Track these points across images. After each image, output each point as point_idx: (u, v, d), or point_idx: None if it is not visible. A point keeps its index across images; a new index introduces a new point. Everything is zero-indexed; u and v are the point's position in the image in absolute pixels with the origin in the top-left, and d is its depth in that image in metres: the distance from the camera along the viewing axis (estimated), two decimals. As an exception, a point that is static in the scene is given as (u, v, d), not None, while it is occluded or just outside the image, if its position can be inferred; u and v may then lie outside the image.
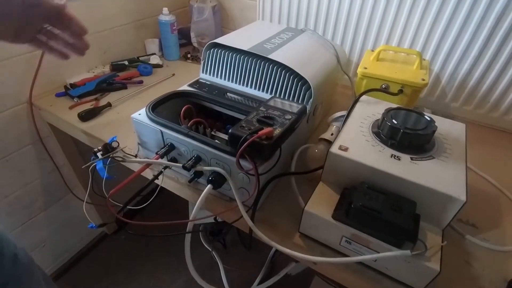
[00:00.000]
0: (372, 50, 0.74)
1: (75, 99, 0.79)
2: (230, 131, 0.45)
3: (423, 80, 0.60)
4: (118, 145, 0.51)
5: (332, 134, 0.60)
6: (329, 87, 0.73)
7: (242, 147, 0.42)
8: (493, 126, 0.76)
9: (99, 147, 0.50)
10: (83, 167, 0.50)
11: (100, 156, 0.48)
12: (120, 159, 0.50)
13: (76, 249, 1.17)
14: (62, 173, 0.96)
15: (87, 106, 0.78)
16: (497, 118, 0.74)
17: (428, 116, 0.48)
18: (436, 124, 0.46)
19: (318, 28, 0.88)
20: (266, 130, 0.43)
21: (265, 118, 0.48)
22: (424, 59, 0.69)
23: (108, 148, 0.49)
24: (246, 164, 0.45)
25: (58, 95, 0.81)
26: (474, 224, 0.52)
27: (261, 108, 0.51)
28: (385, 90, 0.62)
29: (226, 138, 0.59)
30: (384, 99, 0.59)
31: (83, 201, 1.03)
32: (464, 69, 0.73)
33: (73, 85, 0.82)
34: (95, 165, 0.51)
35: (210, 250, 0.99)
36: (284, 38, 0.70)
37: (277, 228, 0.50)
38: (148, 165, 0.51)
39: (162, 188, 0.57)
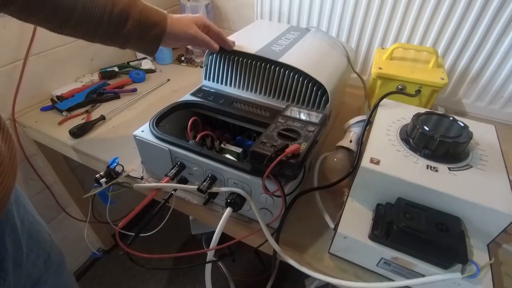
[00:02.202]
0: (382, 48, 0.70)
1: (64, 113, 0.72)
2: (251, 148, 0.41)
3: (443, 79, 0.57)
4: (123, 169, 0.46)
5: (351, 141, 0.56)
6: (342, 89, 0.69)
7: (269, 168, 0.38)
8: (507, 122, 0.74)
9: (102, 173, 0.44)
10: (84, 196, 0.44)
11: (104, 184, 0.43)
12: (126, 184, 0.45)
13: (73, 269, 1.10)
14: (53, 192, 0.89)
15: (78, 120, 0.71)
16: (511, 114, 0.73)
17: (460, 121, 0.44)
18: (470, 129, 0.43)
19: (322, 25, 0.83)
20: (293, 147, 0.39)
21: (286, 131, 0.44)
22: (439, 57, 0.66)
23: (112, 174, 0.44)
24: (270, 184, 0.41)
25: (44, 109, 0.74)
26: (506, 230, 0.50)
27: (280, 120, 0.47)
28: (404, 92, 0.59)
29: (237, 151, 0.55)
30: (400, 100, 0.55)
31: (78, 220, 0.97)
32: (477, 65, 0.71)
33: (60, 98, 0.75)
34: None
35: (217, 262, 0.95)
36: (290, 38, 0.66)
37: (304, 249, 0.47)
38: (158, 189, 0.46)
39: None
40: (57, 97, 0.75)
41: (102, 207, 0.50)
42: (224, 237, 0.45)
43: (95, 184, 0.44)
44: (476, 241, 0.39)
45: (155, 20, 0.50)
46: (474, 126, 0.47)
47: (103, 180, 0.43)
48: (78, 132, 0.66)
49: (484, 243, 0.39)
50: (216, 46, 0.57)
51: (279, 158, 0.38)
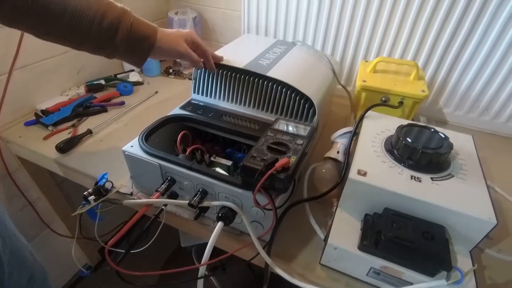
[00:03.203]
0: (366, 61, 0.73)
1: (50, 128, 0.71)
2: (242, 163, 0.41)
3: (423, 91, 0.60)
4: (112, 186, 0.45)
5: (338, 152, 0.58)
6: (328, 100, 0.71)
7: (259, 183, 0.38)
8: (484, 130, 0.78)
9: (90, 190, 0.44)
10: (73, 214, 0.43)
11: (92, 202, 0.42)
12: (116, 201, 0.44)
13: (58, 286, 1.06)
14: (36, 208, 0.86)
15: (64, 134, 0.70)
16: (487, 122, 0.77)
17: (441, 133, 0.47)
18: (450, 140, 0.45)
19: (307, 39, 0.86)
20: (283, 161, 0.40)
21: (275, 145, 0.45)
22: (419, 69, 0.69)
23: (101, 191, 0.43)
24: (261, 198, 0.41)
25: (28, 123, 0.72)
26: (488, 236, 0.52)
27: (269, 134, 0.48)
28: (388, 104, 0.61)
29: (227, 164, 0.56)
30: (384, 111, 0.58)
31: (64, 236, 0.94)
32: (455, 76, 0.74)
33: (45, 112, 0.74)
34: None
35: (209, 277, 0.94)
36: (277, 52, 0.67)
37: (296, 261, 0.47)
38: (148, 205, 0.46)
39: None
40: (42, 111, 0.74)
41: (90, 222, 0.49)
42: (215, 249, 0.45)
43: (83, 202, 0.43)
44: (460, 247, 0.41)
45: (145, 34, 0.50)
46: (453, 136, 0.50)
47: (91, 197, 0.42)
48: (65, 147, 0.64)
49: (467, 249, 0.41)
50: (202, 64, 0.58)
51: (269, 172, 0.39)
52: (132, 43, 0.49)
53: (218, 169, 0.52)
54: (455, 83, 0.76)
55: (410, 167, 0.44)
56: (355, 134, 0.54)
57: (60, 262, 1.01)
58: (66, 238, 0.96)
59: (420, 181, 0.42)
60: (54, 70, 0.78)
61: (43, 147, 0.66)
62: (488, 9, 0.65)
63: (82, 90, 0.84)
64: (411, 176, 0.43)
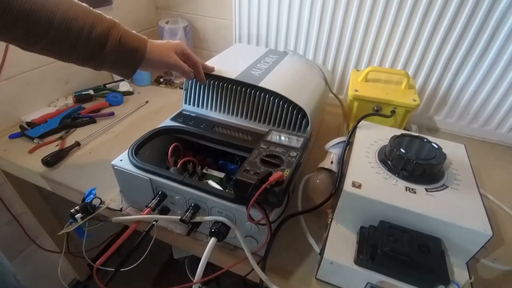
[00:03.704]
0: (357, 70, 0.74)
1: (36, 140, 0.69)
2: (235, 177, 0.40)
3: (414, 100, 0.60)
4: (101, 202, 0.44)
5: (331, 163, 0.57)
6: (321, 109, 0.71)
7: (253, 198, 0.38)
8: (474, 137, 0.79)
9: (77, 208, 0.42)
10: (59, 233, 0.42)
11: (79, 220, 0.40)
12: (104, 218, 0.43)
13: (44, 304, 1.02)
14: (22, 223, 0.83)
15: (52, 147, 0.68)
16: (477, 129, 0.78)
17: (434, 143, 0.47)
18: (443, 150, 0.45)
19: (299, 48, 0.86)
20: (276, 175, 0.39)
21: (269, 157, 0.44)
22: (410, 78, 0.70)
23: (88, 208, 0.42)
24: (255, 212, 0.40)
25: (12, 136, 0.70)
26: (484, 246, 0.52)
27: (262, 146, 0.47)
28: (380, 114, 0.61)
29: (220, 176, 0.55)
30: (377, 119, 0.58)
31: (51, 251, 0.91)
32: (445, 85, 0.75)
33: (31, 124, 0.72)
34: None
35: (202, 288, 0.92)
36: (269, 62, 0.67)
37: (291, 275, 0.46)
38: (139, 222, 0.44)
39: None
40: (28, 123, 0.72)
41: (78, 238, 0.47)
42: (208, 263, 0.44)
43: (70, 220, 0.42)
44: (456, 259, 0.40)
45: (135, 46, 0.49)
46: (446, 146, 0.50)
47: (78, 215, 0.41)
48: (51, 161, 0.62)
49: (463, 261, 0.40)
50: (192, 75, 0.57)
51: (263, 186, 0.38)
52: (121, 55, 0.48)
53: (211, 182, 0.51)
54: (445, 91, 0.77)
55: (405, 178, 0.43)
56: (348, 143, 0.54)
57: (48, 278, 0.98)
58: (53, 254, 0.93)
59: (415, 192, 0.41)
60: (41, 81, 0.76)
61: (28, 161, 0.64)
62: (476, 17, 0.67)
63: (70, 101, 0.82)
64: (406, 188, 0.42)
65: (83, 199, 0.47)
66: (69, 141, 0.70)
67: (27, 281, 0.93)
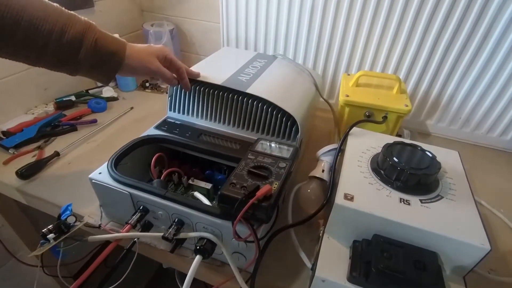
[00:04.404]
0: (348, 74, 0.72)
1: (11, 151, 0.65)
2: (220, 192, 0.38)
3: (406, 106, 0.59)
4: (76, 220, 0.40)
5: (323, 171, 0.55)
6: (311, 116, 0.69)
7: (239, 215, 0.35)
8: (466, 141, 0.79)
9: (50, 227, 0.39)
10: (29, 256, 0.38)
11: (52, 241, 0.37)
12: (79, 238, 0.40)
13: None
14: (0, 237, 0.79)
15: (28, 158, 0.64)
16: (468, 133, 0.77)
17: (428, 151, 0.45)
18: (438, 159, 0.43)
19: (288, 52, 0.84)
20: (264, 189, 0.37)
21: (256, 169, 0.42)
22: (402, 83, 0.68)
23: (62, 228, 0.39)
24: (242, 228, 0.38)
25: (-13, 146, 0.66)
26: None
27: (250, 156, 0.45)
28: (372, 120, 0.60)
29: (207, 187, 0.52)
30: (368, 126, 0.56)
31: (31, 265, 0.87)
32: (436, 89, 0.75)
33: (6, 133, 0.68)
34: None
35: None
36: (257, 66, 0.65)
37: (282, 293, 0.44)
38: (118, 240, 0.41)
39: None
40: (3, 132, 0.68)
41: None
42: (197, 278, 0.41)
43: (41, 241, 0.38)
44: (453, 274, 0.39)
45: (112, 50, 0.46)
46: (439, 153, 0.48)
47: (51, 235, 0.38)
48: (26, 173, 0.59)
49: (460, 275, 0.39)
50: (176, 82, 0.55)
51: (250, 202, 0.35)
52: (97, 60, 0.45)
53: (197, 194, 0.49)
54: (437, 95, 0.76)
55: (398, 188, 0.42)
56: (340, 151, 0.52)
57: (29, 294, 0.93)
58: (34, 267, 0.88)
59: (409, 204, 0.40)
60: (16, 88, 0.72)
61: (2, 173, 0.60)
62: (468, 20, 0.66)
63: (51, 108, 0.78)
64: (400, 199, 0.40)
65: (59, 216, 0.43)
66: (48, 151, 0.66)
67: (7, 297, 0.88)
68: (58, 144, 0.69)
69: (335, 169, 0.52)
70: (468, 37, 0.67)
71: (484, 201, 0.61)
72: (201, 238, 0.42)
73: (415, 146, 0.46)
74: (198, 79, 0.57)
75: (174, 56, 0.54)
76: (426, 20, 0.68)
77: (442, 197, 0.41)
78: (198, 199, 0.46)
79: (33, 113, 0.75)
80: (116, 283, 0.43)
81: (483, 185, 0.65)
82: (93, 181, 0.45)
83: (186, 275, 0.39)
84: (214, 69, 0.63)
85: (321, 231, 0.45)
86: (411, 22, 0.69)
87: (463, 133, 0.78)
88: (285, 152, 0.46)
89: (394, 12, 0.70)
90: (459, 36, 0.68)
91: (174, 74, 0.55)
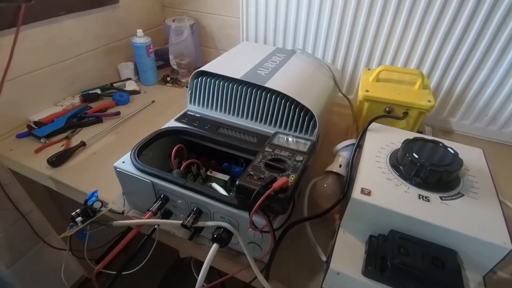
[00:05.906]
0: (368, 69, 0.71)
1: (43, 140, 0.69)
2: (237, 182, 0.39)
3: (429, 101, 0.57)
4: (102, 205, 0.43)
5: (340, 166, 0.55)
6: (329, 111, 0.68)
7: (256, 205, 0.36)
8: (491, 139, 0.75)
9: (78, 211, 0.41)
10: (59, 237, 0.41)
11: (80, 224, 0.40)
12: (105, 222, 0.42)
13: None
14: (30, 221, 0.84)
15: (57, 147, 0.68)
16: (495, 131, 0.74)
17: (450, 147, 0.44)
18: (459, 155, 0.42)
19: (307, 46, 0.84)
20: (281, 181, 0.37)
21: (273, 162, 0.42)
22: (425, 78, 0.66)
23: (89, 212, 0.41)
24: (258, 219, 0.39)
25: (20, 136, 0.70)
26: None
27: (267, 149, 0.45)
28: (392, 115, 0.58)
29: (224, 179, 0.53)
30: (387, 121, 0.55)
31: (58, 249, 0.92)
32: (461, 84, 0.72)
33: (38, 123, 0.72)
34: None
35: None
36: (276, 61, 0.65)
37: (296, 285, 0.44)
38: (140, 226, 0.43)
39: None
40: (35, 122, 0.72)
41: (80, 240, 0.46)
42: (212, 267, 0.43)
43: (71, 223, 0.41)
44: (473, 273, 0.38)
45: None
46: (462, 150, 0.47)
47: (79, 219, 0.40)
48: (56, 161, 0.62)
49: (480, 274, 0.38)
50: None
51: (267, 193, 0.36)
52: None
53: (215, 185, 0.50)
54: (462, 91, 0.73)
55: (417, 185, 0.41)
56: (358, 146, 0.52)
57: (57, 276, 0.99)
58: (62, 250, 0.94)
59: (428, 200, 0.39)
60: (46, 81, 0.77)
61: (34, 161, 0.64)
62: (498, 11, 0.63)
63: (77, 100, 0.82)
64: (419, 195, 0.40)
65: (85, 201, 0.46)
66: (75, 141, 0.69)
67: (37, 280, 0.94)
68: (84, 134, 0.72)
69: (352, 164, 0.51)
70: (498, 28, 0.64)
71: (510, 202, 0.59)
72: (218, 227, 0.43)
73: (436, 143, 0.45)
74: (218, 72, 0.58)
75: None
76: (453, 12, 0.66)
77: (463, 195, 0.40)
78: (216, 190, 0.47)
79: (61, 105, 0.79)
80: (135, 268, 0.45)
81: (510, 186, 0.62)
82: (117, 169, 0.48)
83: (202, 263, 0.41)
84: (233, 63, 0.64)
85: (337, 226, 0.45)
86: (436, 14, 0.67)
87: (489, 131, 0.75)
88: (302, 146, 0.47)
89: (419, 3, 0.68)
90: (488, 27, 0.64)
91: None
